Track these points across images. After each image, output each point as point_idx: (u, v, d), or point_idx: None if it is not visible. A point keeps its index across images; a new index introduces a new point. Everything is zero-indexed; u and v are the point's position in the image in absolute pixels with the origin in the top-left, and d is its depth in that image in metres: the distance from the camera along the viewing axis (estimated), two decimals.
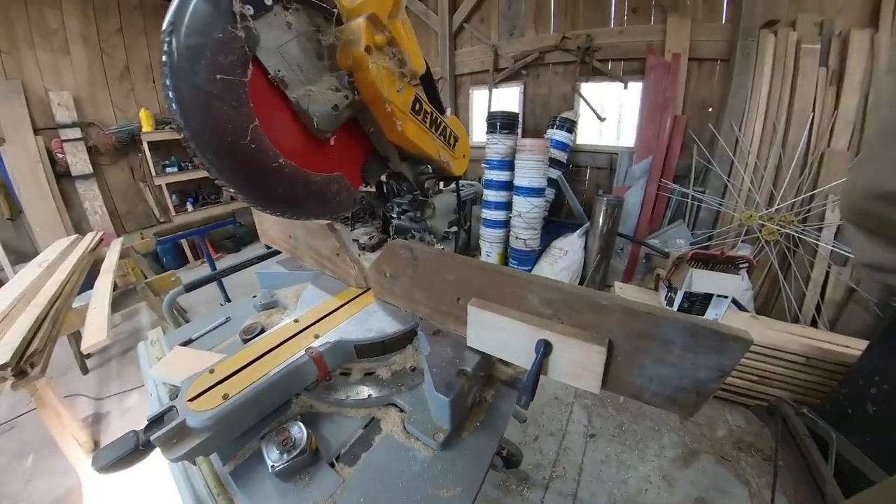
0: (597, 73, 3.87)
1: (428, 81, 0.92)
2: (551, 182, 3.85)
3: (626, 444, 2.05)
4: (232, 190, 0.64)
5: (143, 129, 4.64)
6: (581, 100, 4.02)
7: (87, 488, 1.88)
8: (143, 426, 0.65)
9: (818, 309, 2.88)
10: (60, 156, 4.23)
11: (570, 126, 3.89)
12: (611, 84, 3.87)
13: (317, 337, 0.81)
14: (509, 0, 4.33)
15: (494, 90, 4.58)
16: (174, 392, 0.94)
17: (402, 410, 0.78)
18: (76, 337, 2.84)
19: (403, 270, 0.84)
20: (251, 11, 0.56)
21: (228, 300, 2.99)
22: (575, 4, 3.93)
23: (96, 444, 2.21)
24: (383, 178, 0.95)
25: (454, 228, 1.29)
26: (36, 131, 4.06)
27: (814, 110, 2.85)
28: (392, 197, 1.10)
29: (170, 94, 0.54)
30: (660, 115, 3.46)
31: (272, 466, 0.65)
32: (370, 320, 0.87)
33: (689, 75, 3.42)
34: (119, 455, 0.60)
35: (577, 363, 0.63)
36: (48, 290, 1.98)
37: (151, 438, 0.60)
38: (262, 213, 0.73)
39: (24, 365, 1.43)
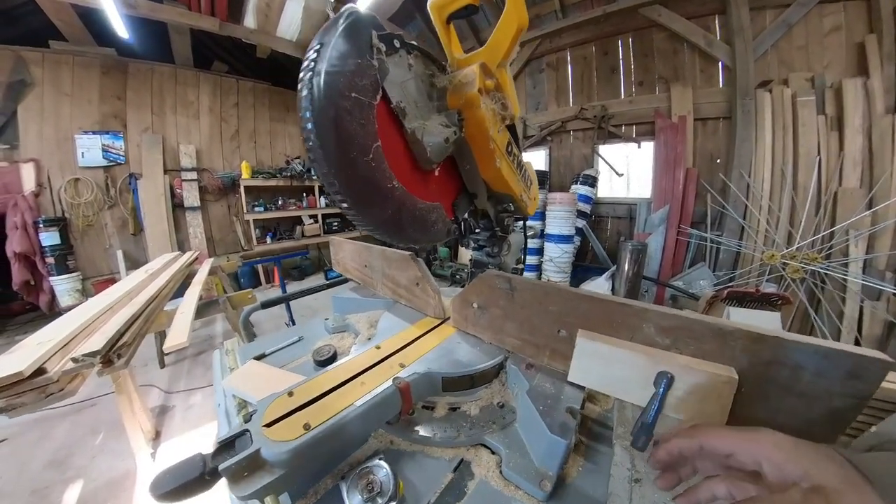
0: (612, 136, 3.81)
1: (512, 128, 0.84)
2: (577, 230, 3.69)
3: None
4: (346, 205, 0.55)
5: (243, 176, 5.03)
6: (600, 159, 3.94)
7: (140, 476, 1.70)
8: (210, 451, 0.45)
9: (857, 345, 2.38)
10: (178, 191, 4.63)
11: (593, 181, 3.78)
12: (626, 145, 3.78)
13: (402, 366, 0.63)
14: (534, 82, 4.48)
15: (524, 153, 4.62)
16: (242, 405, 0.77)
17: (492, 452, 0.57)
18: (161, 335, 2.82)
19: (496, 301, 0.68)
20: (384, 48, 0.56)
21: (293, 322, 2.89)
22: (589, 83, 3.98)
23: (158, 433, 2.06)
24: (466, 214, 0.85)
25: (521, 265, 1.14)
26: (165, 171, 4.53)
27: (819, 154, 2.59)
28: (468, 233, 0.98)
29: (305, 103, 0.48)
30: (672, 169, 3.28)
31: None
32: (455, 351, 0.69)
33: (695, 133, 3.29)
34: (181, 482, 0.42)
35: (702, 397, 0.47)
36: (148, 292, 1.97)
37: (220, 468, 0.41)
38: (370, 233, 0.63)
39: (111, 354, 1.37)
